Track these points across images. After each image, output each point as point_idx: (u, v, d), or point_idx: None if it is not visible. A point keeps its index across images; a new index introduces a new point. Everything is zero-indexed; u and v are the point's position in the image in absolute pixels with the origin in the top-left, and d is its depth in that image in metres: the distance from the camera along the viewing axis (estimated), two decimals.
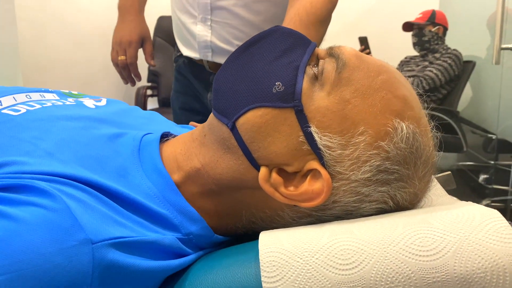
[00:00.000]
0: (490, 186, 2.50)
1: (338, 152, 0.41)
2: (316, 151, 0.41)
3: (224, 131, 0.44)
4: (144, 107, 3.27)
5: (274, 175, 0.42)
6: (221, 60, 0.98)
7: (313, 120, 0.41)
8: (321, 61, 0.44)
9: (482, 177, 2.68)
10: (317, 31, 0.81)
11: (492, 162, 2.51)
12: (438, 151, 0.46)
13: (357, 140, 0.41)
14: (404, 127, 0.41)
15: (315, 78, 0.43)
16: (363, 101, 0.41)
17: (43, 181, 0.38)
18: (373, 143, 0.41)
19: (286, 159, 0.42)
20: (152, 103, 3.40)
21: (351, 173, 0.41)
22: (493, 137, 2.39)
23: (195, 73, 1.06)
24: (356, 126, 0.41)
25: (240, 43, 0.84)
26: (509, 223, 0.36)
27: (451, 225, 0.37)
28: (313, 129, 0.41)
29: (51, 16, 2.84)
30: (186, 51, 1.05)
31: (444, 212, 0.39)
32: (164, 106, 3.28)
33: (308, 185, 0.42)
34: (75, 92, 0.61)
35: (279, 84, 0.42)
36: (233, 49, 0.86)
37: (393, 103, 0.42)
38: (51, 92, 0.58)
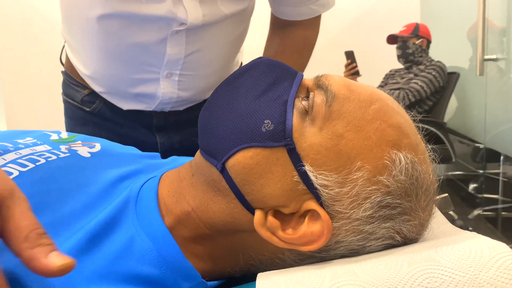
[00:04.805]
0: (480, 195, 2.52)
1: (336, 190, 0.39)
2: (313, 191, 0.39)
3: (214, 172, 0.42)
4: None
5: (270, 218, 0.39)
6: (179, 107, 0.83)
7: (306, 158, 0.39)
8: (310, 94, 0.42)
9: (471, 186, 2.70)
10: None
11: (481, 171, 2.53)
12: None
13: (354, 177, 0.39)
14: (402, 158, 0.39)
15: (305, 112, 0.41)
16: (357, 135, 0.39)
17: None
18: (371, 178, 0.39)
19: (282, 201, 0.40)
20: None
21: (352, 211, 0.39)
22: (481, 147, 2.41)
23: (133, 116, 0.83)
24: (353, 162, 0.39)
25: (207, 87, 0.80)
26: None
27: (458, 262, 0.35)
28: (307, 168, 0.39)
29: (32, 41, 2.80)
30: (128, 106, 0.82)
31: (450, 247, 0.37)
32: None
33: (307, 227, 0.39)
34: (66, 136, 0.57)
35: (268, 122, 0.40)
36: (199, 95, 0.81)
37: (388, 133, 0.40)
38: (42, 143, 0.52)
